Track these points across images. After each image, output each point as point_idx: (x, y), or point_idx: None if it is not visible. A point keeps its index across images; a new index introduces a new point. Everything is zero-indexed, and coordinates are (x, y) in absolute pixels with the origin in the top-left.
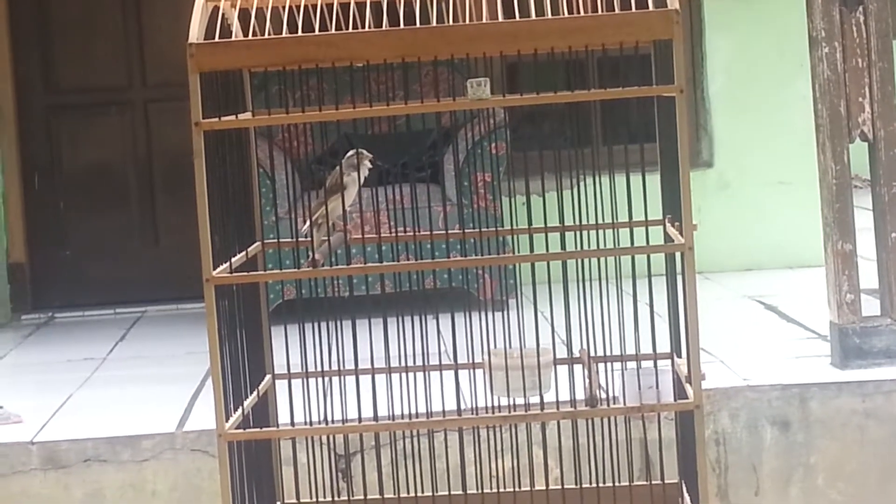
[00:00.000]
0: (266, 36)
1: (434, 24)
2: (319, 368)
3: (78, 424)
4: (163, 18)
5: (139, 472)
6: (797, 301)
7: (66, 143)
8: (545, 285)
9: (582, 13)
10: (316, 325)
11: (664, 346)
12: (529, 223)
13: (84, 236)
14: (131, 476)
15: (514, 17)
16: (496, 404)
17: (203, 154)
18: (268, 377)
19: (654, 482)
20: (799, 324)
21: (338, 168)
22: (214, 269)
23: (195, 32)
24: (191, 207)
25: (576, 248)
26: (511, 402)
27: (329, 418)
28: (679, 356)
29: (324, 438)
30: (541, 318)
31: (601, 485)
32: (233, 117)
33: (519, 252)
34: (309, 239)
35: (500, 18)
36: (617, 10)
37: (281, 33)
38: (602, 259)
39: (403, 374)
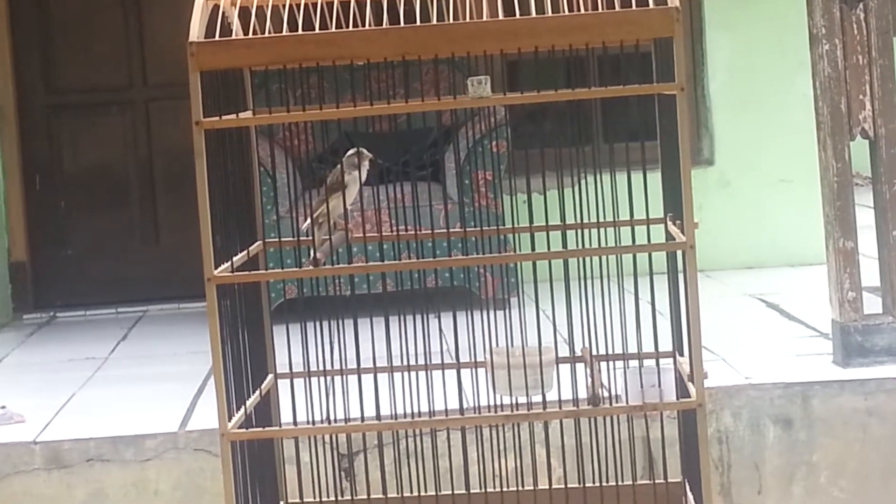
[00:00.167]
0: (266, 35)
1: (434, 22)
2: (321, 367)
3: (80, 424)
4: (163, 18)
5: (142, 472)
6: (799, 299)
7: (67, 143)
8: (547, 284)
9: (582, 11)
10: (318, 323)
11: (666, 344)
12: (531, 221)
13: (85, 236)
14: (134, 476)
15: (515, 15)
16: (499, 403)
17: (204, 153)
18: (270, 376)
19: (657, 481)
20: (801, 322)
21: (339, 167)
22: (216, 268)
23: (195, 31)
24: (192, 206)
25: (577, 246)
26: (513, 401)
27: (331, 417)
28: (681, 355)
29: (326, 438)
30: (543, 317)
31: (604, 484)
32: (233, 116)
33: (520, 250)
34: (310, 237)
35: (501, 16)
36: (617, 8)
37: (281, 32)
38: (603, 257)
39: (406, 373)
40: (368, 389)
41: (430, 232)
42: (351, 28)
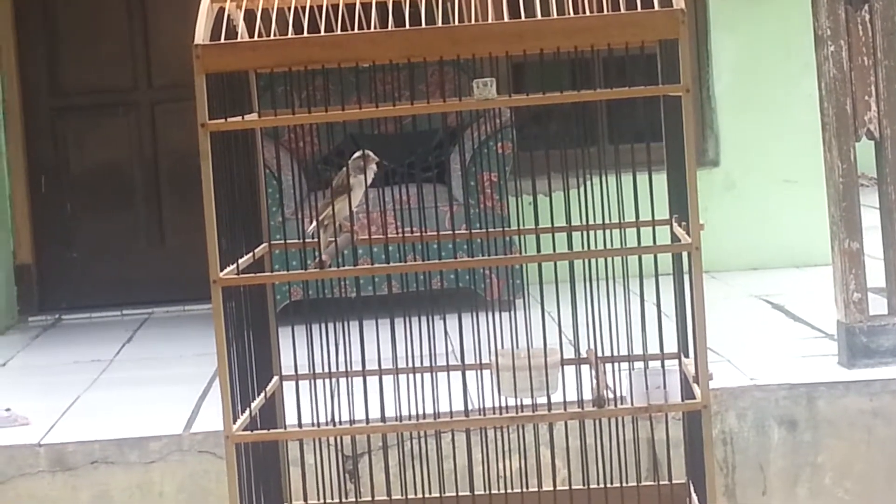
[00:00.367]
0: (272, 37)
1: (439, 24)
2: (327, 369)
3: (85, 426)
4: (168, 20)
5: (146, 474)
6: (804, 300)
7: (73, 145)
8: (552, 285)
9: (587, 13)
10: (323, 325)
11: (671, 345)
12: (536, 223)
13: (91, 238)
14: (139, 478)
15: (520, 18)
16: (503, 405)
17: (209, 155)
18: (275, 378)
19: (661, 482)
20: (806, 323)
21: (344, 169)
22: (221, 270)
23: (201, 34)
24: (197, 208)
25: (583, 247)
26: (518, 403)
27: (336, 419)
28: (686, 356)
29: (331, 439)
30: (548, 319)
31: (609, 485)
32: (239, 118)
33: (525, 252)
34: (315, 240)
35: (506, 18)
36: (623, 10)
37: (286, 34)
38: (609, 259)
39: (411, 375)
40: (373, 391)
41: (435, 233)
42: (356, 30)
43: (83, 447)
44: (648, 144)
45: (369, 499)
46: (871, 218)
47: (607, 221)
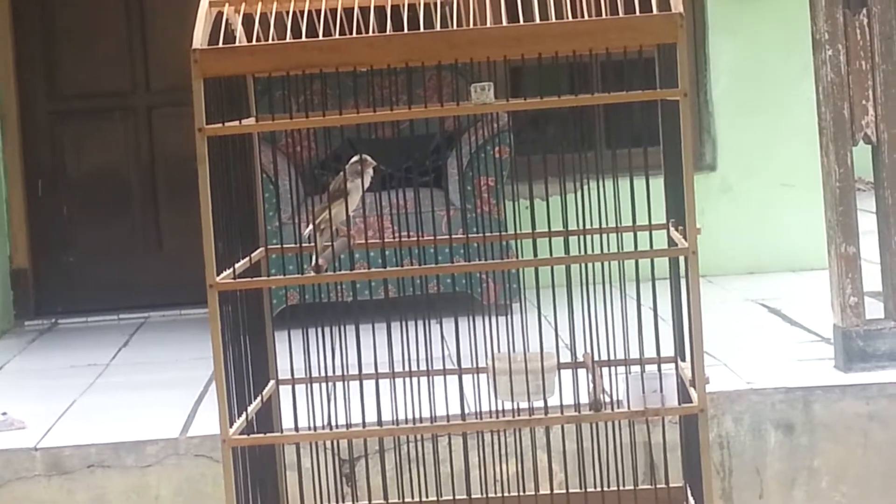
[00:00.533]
0: (270, 41)
1: (437, 28)
2: (323, 373)
3: (81, 430)
4: (166, 24)
5: (143, 478)
6: (801, 304)
7: (70, 149)
8: (549, 289)
9: (585, 17)
10: (319, 330)
11: (668, 349)
12: (533, 227)
13: (87, 242)
14: (135, 482)
15: (518, 22)
16: (500, 408)
17: (207, 159)
18: (271, 382)
19: (658, 486)
20: (802, 327)
21: (341, 174)
22: (218, 274)
23: (199, 38)
24: (194, 213)
25: (579, 252)
26: (515, 407)
27: (333, 423)
28: (683, 360)
29: (328, 443)
30: (544, 323)
31: (606, 489)
32: (236, 123)
33: (522, 256)
34: (312, 244)
35: (504, 23)
36: (621, 14)
37: (284, 39)
38: (606, 263)
39: (407, 379)
40: (370, 395)
41: (432, 238)
42: (354, 35)
43: (79, 451)
44: (646, 149)
45: (366, 502)
46: (867, 222)
47: (604, 226)
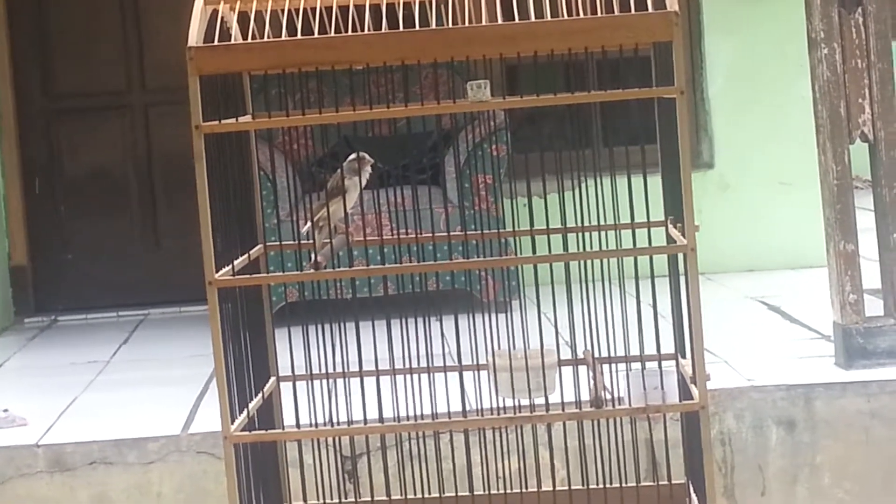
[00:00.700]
0: (265, 39)
1: (433, 26)
2: (324, 370)
3: (83, 427)
4: (162, 22)
5: (145, 475)
6: (800, 301)
7: (67, 147)
8: (548, 287)
9: (581, 15)
10: (319, 326)
11: (668, 346)
12: (531, 225)
13: (85, 239)
14: (137, 478)
15: (514, 20)
16: (501, 405)
17: (204, 157)
18: (272, 379)
19: (660, 483)
20: (802, 324)
21: (339, 171)
22: (217, 271)
23: (194, 36)
24: (191, 210)
25: (578, 249)
26: (516, 404)
27: (334, 420)
28: (683, 357)
29: (329, 440)
30: (544, 320)
31: (608, 486)
32: (233, 120)
33: (521, 254)
34: (311, 241)
35: (500, 21)
36: (616, 12)
37: (280, 36)
38: (604, 260)
39: (408, 376)
40: (371, 392)
41: (430, 235)
42: (350, 32)
43: (81, 448)
44: (643, 146)
45: (368, 499)
46: (865, 220)
47: (602, 223)
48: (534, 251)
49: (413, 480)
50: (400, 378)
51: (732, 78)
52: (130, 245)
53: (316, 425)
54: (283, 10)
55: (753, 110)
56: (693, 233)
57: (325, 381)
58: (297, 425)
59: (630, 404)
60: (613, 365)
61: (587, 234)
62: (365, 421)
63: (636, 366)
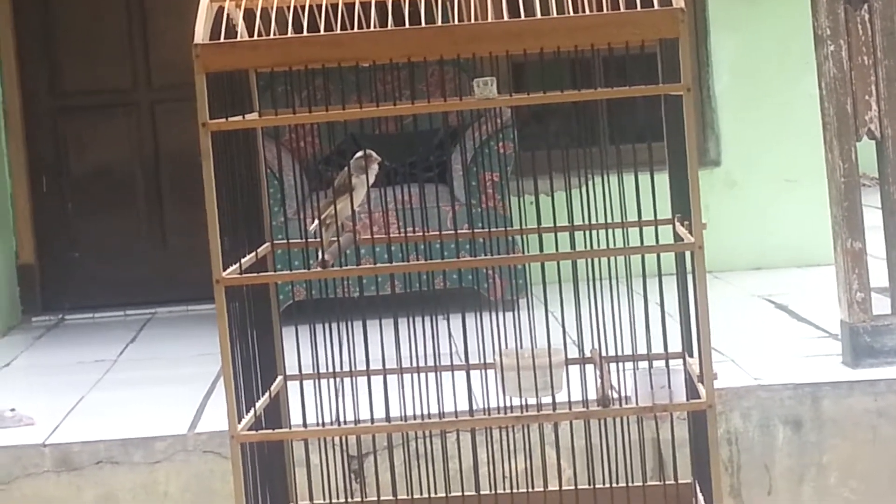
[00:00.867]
0: (271, 36)
1: (439, 23)
2: (331, 369)
3: (90, 426)
4: (167, 19)
5: (151, 474)
6: (807, 300)
7: (73, 145)
8: (555, 285)
9: (587, 12)
10: (327, 325)
11: (675, 345)
12: (538, 223)
13: (93, 238)
14: (143, 478)
15: (520, 17)
16: (508, 405)
17: (211, 155)
18: (279, 378)
19: (667, 482)
20: (810, 323)
21: (346, 169)
22: (224, 270)
23: (200, 33)
24: (199, 208)
25: (585, 247)
26: (523, 403)
27: (341, 419)
28: (691, 355)
29: (336, 439)
30: (551, 318)
31: (614, 485)
32: (239, 118)
33: (528, 252)
34: (318, 239)
35: (506, 18)
36: (622, 9)
37: (286, 34)
38: (612, 258)
39: (415, 375)
40: (378, 391)
41: (437, 233)
42: (356, 29)
43: (88, 447)
44: (650, 144)
45: (375, 499)
46: (872, 218)
47: (609, 221)
48: (541, 249)
49: (420, 480)
50: (407, 377)
51: (738, 75)
52: (137, 243)
53: (323, 424)
54: (288, 7)
55: (760, 107)
56: (700, 231)
57: (332, 380)
58: (304, 424)
59: (637, 403)
60: (620, 364)
61: (594, 232)
62: (372, 420)
63: (643, 364)
